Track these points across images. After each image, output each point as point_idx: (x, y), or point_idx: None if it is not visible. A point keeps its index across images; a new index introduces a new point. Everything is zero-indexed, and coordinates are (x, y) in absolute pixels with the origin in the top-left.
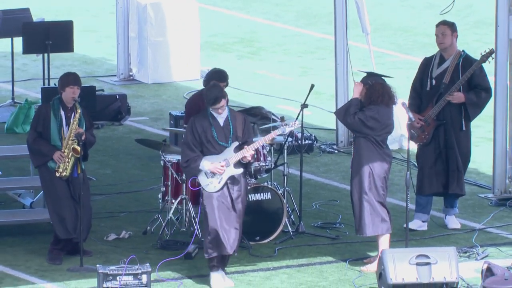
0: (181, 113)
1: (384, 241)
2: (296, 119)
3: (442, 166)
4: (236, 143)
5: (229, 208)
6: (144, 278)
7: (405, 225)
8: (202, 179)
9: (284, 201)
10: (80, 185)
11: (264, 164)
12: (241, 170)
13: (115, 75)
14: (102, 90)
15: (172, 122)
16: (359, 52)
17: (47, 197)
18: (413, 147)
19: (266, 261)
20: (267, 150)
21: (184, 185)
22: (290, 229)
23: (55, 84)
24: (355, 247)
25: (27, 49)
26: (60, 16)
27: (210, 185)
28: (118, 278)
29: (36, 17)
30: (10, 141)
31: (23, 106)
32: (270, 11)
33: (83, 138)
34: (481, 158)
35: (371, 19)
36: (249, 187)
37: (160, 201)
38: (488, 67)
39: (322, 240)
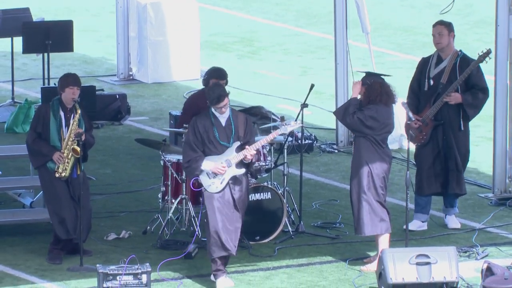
0: (181, 112)
1: (383, 241)
2: (296, 118)
3: (440, 166)
4: (237, 143)
5: (231, 209)
6: (144, 277)
7: (405, 226)
8: (204, 180)
9: (284, 200)
10: (79, 185)
11: (264, 163)
12: (243, 170)
13: (115, 75)
14: (102, 89)
15: (172, 122)
16: (359, 51)
17: (47, 197)
18: (413, 146)
19: (266, 260)
20: (267, 149)
21: (184, 184)
22: (290, 228)
23: (55, 84)
24: (355, 247)
25: (27, 49)
26: (60, 16)
27: (212, 185)
28: (118, 277)
29: (36, 16)
30: (10, 140)
31: (23, 105)
32: (270, 10)
33: (82, 138)
34: (481, 158)
35: (371, 19)
36: (249, 187)
37: (160, 200)
38: (488, 66)
39: (322, 240)
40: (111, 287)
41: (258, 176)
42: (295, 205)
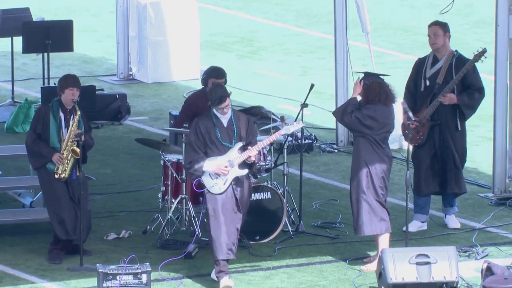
0: (180, 112)
1: (383, 241)
2: (296, 118)
3: (438, 166)
4: (240, 144)
5: (233, 210)
6: (144, 277)
7: (404, 227)
8: (206, 181)
9: (284, 200)
10: (79, 186)
11: (264, 163)
12: (246, 171)
13: (115, 75)
14: (102, 89)
15: (172, 121)
16: (359, 51)
17: (46, 198)
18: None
19: (266, 260)
20: (267, 149)
21: (184, 184)
22: (290, 228)
23: (55, 84)
24: (355, 247)
25: (27, 49)
26: (60, 16)
27: (215, 186)
28: (118, 277)
29: (36, 16)
30: (10, 140)
31: (23, 105)
32: (270, 10)
33: (82, 138)
34: (481, 158)
35: (371, 19)
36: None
37: (160, 200)
38: (488, 66)
39: (322, 240)
40: (111, 286)
41: (258, 176)
42: (295, 205)
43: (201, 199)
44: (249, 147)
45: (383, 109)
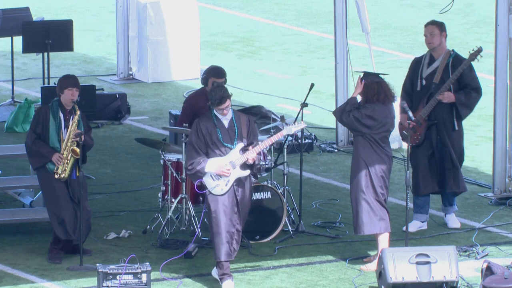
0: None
1: (382, 240)
2: (296, 118)
3: (436, 165)
4: (241, 144)
5: (234, 211)
6: (144, 277)
7: (404, 227)
8: (208, 182)
9: (284, 200)
10: (79, 186)
11: (264, 163)
12: (248, 172)
13: (115, 74)
14: (102, 89)
15: (172, 121)
16: (359, 51)
17: (46, 199)
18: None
19: (266, 260)
20: (267, 149)
21: (184, 184)
22: (290, 228)
23: (55, 84)
24: (355, 246)
25: (27, 48)
26: (60, 15)
27: (217, 187)
28: (118, 277)
29: (36, 16)
30: (10, 140)
31: (22, 105)
32: (270, 10)
33: (82, 138)
34: (481, 157)
35: (371, 18)
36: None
37: (160, 200)
38: (488, 66)
39: (322, 239)
40: (111, 286)
41: (258, 176)
42: (295, 205)
43: (201, 199)
44: (249, 149)
45: (382, 108)
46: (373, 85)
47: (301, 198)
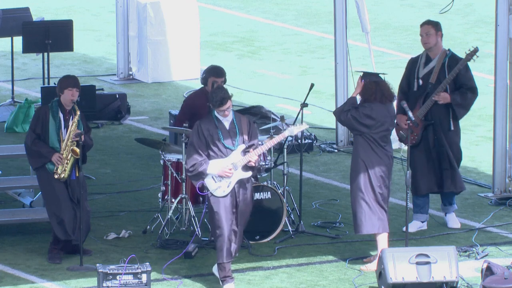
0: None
1: (381, 240)
2: (296, 119)
3: (433, 165)
4: (242, 146)
5: (233, 212)
6: (144, 277)
7: (404, 228)
8: (210, 184)
9: (284, 200)
10: (79, 186)
11: (264, 163)
12: (249, 173)
13: (115, 74)
14: (102, 89)
15: (172, 121)
16: (359, 51)
17: (46, 199)
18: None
19: (266, 260)
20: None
21: (184, 184)
22: (290, 228)
23: (55, 84)
24: (355, 246)
25: (27, 48)
26: (60, 15)
27: (219, 189)
28: (118, 277)
29: (36, 16)
30: (10, 140)
31: (22, 105)
32: (270, 10)
33: (82, 138)
34: (481, 157)
35: (371, 18)
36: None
37: (160, 200)
38: (488, 66)
39: (322, 240)
40: (111, 286)
41: (258, 176)
42: (295, 205)
43: (201, 199)
44: (250, 150)
45: (380, 107)
46: (371, 84)
47: (301, 198)
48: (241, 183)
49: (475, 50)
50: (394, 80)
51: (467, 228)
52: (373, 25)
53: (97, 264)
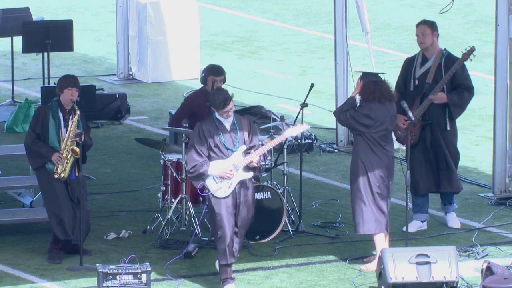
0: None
1: (378, 240)
2: (296, 119)
3: (431, 165)
4: (243, 147)
5: (234, 213)
6: (144, 277)
7: (404, 228)
8: (211, 185)
9: (284, 200)
10: (78, 186)
11: (264, 163)
12: (250, 174)
13: (115, 74)
14: (102, 89)
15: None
16: (359, 51)
17: (46, 198)
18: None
19: (266, 260)
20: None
21: (184, 184)
22: (290, 228)
23: (55, 84)
24: (355, 246)
25: (27, 48)
26: (60, 15)
27: (220, 190)
28: (118, 277)
29: (36, 16)
30: (10, 140)
31: (23, 105)
32: (270, 10)
33: (82, 138)
34: (481, 157)
35: (371, 18)
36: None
37: (160, 200)
38: (488, 66)
39: (322, 239)
40: (111, 286)
41: (259, 176)
42: (295, 205)
43: (201, 199)
44: (251, 151)
45: (379, 107)
46: (370, 84)
47: (301, 198)
48: (243, 184)
49: (472, 50)
50: (393, 80)
51: (467, 228)
52: (373, 25)
53: (97, 264)
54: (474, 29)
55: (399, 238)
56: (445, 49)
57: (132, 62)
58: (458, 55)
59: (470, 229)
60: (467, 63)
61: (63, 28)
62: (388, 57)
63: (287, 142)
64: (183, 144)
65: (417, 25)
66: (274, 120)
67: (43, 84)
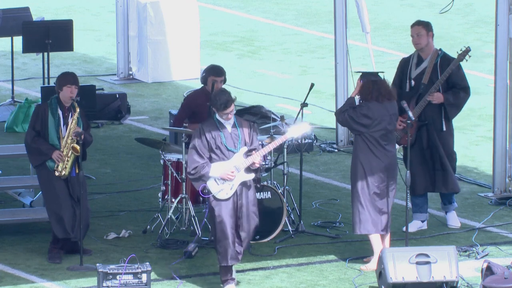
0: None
1: (373, 240)
2: (296, 119)
3: (427, 165)
4: (244, 149)
5: (236, 215)
6: (144, 277)
7: (404, 228)
8: (212, 186)
9: (284, 200)
10: (79, 185)
11: (264, 163)
12: (252, 175)
13: (115, 74)
14: (102, 89)
15: (172, 121)
16: (359, 51)
17: (46, 196)
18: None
19: (266, 260)
20: None
21: (184, 184)
22: (290, 228)
23: (55, 83)
24: (355, 246)
25: (27, 48)
26: (60, 15)
27: (222, 192)
28: (118, 277)
29: (36, 16)
30: (10, 140)
31: (23, 105)
32: (270, 10)
33: (82, 137)
34: (481, 157)
35: (371, 18)
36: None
37: (160, 200)
38: (488, 66)
39: (322, 239)
40: (111, 286)
41: (259, 176)
42: (295, 205)
43: (201, 199)
44: (253, 153)
45: (378, 106)
46: (369, 83)
47: (301, 198)
48: (244, 185)
49: (467, 50)
50: (391, 79)
51: (467, 228)
52: (373, 25)
53: (97, 264)
54: (474, 29)
55: (399, 238)
56: (440, 49)
57: (132, 62)
58: (455, 55)
59: (470, 229)
60: (466, 64)
61: (63, 28)
62: (388, 57)
63: (287, 142)
64: (183, 144)
65: (412, 26)
66: (274, 120)
67: (43, 84)
